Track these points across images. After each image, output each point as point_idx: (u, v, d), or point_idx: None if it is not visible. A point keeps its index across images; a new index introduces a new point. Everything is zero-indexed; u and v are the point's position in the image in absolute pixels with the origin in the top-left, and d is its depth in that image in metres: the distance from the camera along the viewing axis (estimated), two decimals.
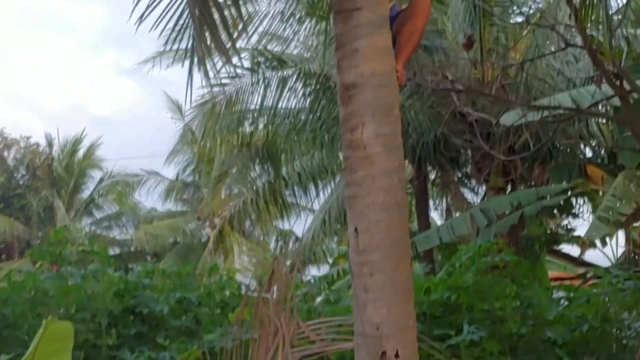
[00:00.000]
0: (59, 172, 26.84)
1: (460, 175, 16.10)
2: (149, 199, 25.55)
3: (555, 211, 12.45)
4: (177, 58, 8.12)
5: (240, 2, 5.61)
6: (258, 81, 13.09)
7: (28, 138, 27.38)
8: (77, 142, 27.20)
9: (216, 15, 5.25)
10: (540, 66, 12.07)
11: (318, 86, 12.65)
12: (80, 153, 27.53)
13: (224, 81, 12.51)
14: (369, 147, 4.47)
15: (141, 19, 5.27)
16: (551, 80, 12.03)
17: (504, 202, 11.46)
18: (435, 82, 9.66)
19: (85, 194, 27.57)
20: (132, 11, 5.26)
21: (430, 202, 16.92)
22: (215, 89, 12.56)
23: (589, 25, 7.29)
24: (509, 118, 9.96)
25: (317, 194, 16.98)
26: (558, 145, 12.81)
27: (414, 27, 4.87)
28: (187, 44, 5.64)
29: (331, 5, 4.67)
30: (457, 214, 16.27)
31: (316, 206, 17.81)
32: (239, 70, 12.91)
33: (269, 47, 12.93)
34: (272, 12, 12.49)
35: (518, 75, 11.88)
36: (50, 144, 27.36)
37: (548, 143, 11.89)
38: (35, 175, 26.84)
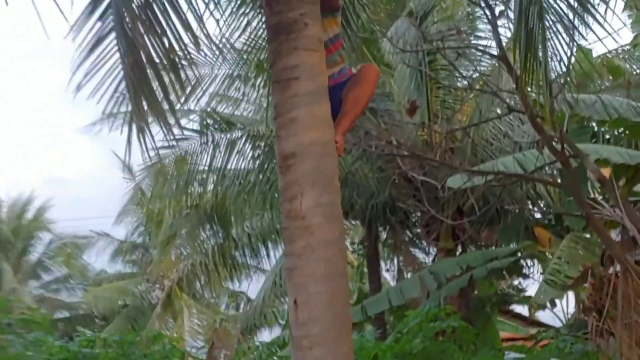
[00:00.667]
0: (6, 234, 26.30)
1: (410, 236, 16.10)
2: (98, 260, 25.14)
3: (504, 273, 12.46)
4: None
5: (182, 67, 5.53)
6: (207, 142, 13.03)
7: None
8: (26, 203, 26.79)
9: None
10: (486, 129, 12.21)
11: (267, 148, 12.60)
12: (30, 214, 27.08)
13: (172, 143, 12.39)
14: (308, 217, 4.40)
15: (79, 87, 5.19)
16: (497, 142, 12.15)
17: (452, 264, 11.46)
18: (381, 147, 9.67)
19: (34, 256, 27.06)
20: (71, 77, 5.18)
21: (382, 263, 16.85)
22: (164, 150, 12.44)
23: (530, 90, 7.37)
24: (455, 181, 10.00)
25: (268, 255, 16.88)
26: (506, 207, 12.89)
27: (359, 95, 4.82)
28: (127, 109, 5.52)
29: (271, 75, 4.62)
30: (409, 275, 16.26)
31: (267, 267, 17.70)
32: (187, 132, 12.86)
33: (218, 108, 12.90)
34: (220, 73, 12.58)
35: (464, 138, 11.98)
36: None
37: (496, 205, 11.96)
38: None
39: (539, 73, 6.55)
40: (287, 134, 4.49)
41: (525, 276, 14.55)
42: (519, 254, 11.99)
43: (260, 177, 13.57)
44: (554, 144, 7.08)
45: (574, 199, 7.99)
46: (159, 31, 5.32)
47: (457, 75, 11.79)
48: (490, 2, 7.23)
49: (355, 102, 4.78)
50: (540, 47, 6.42)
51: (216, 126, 12.99)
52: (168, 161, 12.98)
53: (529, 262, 13.38)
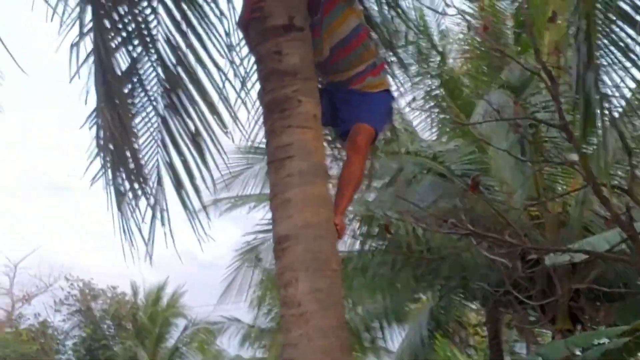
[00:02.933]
0: (143, 321, 26.97)
1: (529, 317, 15.29)
2: (231, 346, 25.22)
3: (623, 353, 11.51)
4: None
5: None
6: None
7: (114, 288, 27.79)
8: (159, 289, 27.42)
9: None
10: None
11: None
12: (164, 301, 27.68)
13: None
14: (303, 304, 4.14)
15: None
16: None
17: (560, 347, 10.67)
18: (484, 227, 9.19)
19: (170, 342, 27.51)
20: None
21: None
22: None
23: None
24: (556, 259, 9.39)
25: (384, 338, 16.47)
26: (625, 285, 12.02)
27: (352, 172, 4.63)
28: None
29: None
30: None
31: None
32: None
33: None
34: None
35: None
36: (135, 293, 27.68)
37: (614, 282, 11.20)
38: (120, 325, 27.06)
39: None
40: (281, 216, 4.28)
41: None
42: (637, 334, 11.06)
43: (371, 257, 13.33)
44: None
45: None
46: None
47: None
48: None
49: (348, 182, 4.61)
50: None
51: None
52: None
53: None
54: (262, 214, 13.57)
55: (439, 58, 12.92)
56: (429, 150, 11.59)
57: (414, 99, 12.57)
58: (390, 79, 5.24)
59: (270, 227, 12.17)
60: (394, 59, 5.96)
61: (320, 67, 4.67)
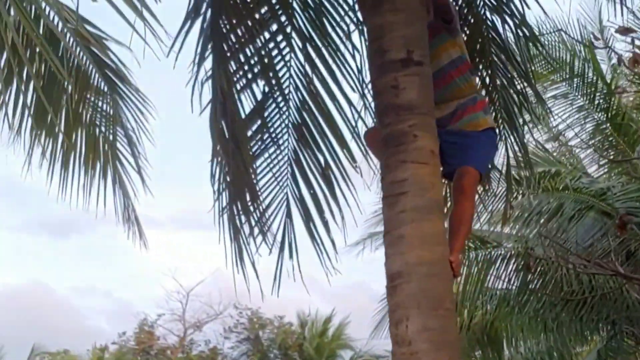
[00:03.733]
0: (309, 352, 27.31)
1: None
2: None
3: None
4: None
5: None
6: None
7: (281, 317, 28.34)
8: (326, 320, 27.70)
9: None
10: None
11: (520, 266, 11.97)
12: (331, 332, 27.93)
13: None
14: (414, 343, 4.06)
15: None
16: None
17: None
18: None
19: None
20: None
21: None
22: None
23: None
24: None
25: None
26: None
27: (462, 212, 4.54)
28: None
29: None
30: None
31: None
32: None
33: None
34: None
35: None
36: (302, 324, 28.08)
37: None
38: (287, 355, 27.52)
39: None
40: (393, 252, 4.22)
41: None
42: None
43: (529, 296, 12.92)
44: None
45: None
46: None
47: None
48: None
49: (460, 221, 4.52)
50: None
51: (471, 244, 12.61)
52: None
53: None
54: None
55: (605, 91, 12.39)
56: (590, 186, 11.09)
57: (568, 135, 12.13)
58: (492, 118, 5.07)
59: None
60: (530, 91, 5.78)
61: None
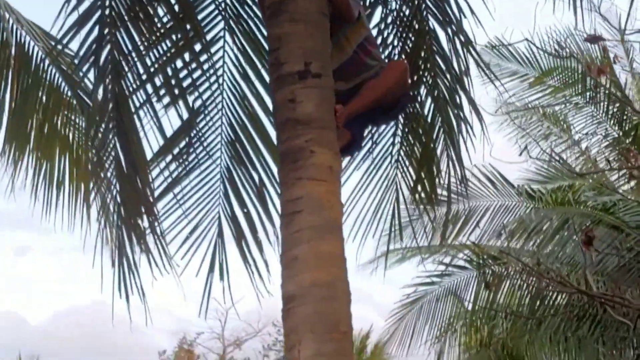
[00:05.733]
0: None
1: None
2: None
3: None
4: None
5: None
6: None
7: None
8: (364, 338, 27.31)
9: None
10: None
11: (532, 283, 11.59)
12: (368, 349, 27.52)
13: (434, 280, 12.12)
14: None
15: None
16: None
17: None
18: None
19: None
20: None
21: None
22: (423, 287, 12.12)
23: None
24: None
25: None
26: None
27: (378, 84, 4.55)
28: None
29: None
30: None
31: None
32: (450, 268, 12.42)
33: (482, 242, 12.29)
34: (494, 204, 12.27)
35: None
36: None
37: None
38: None
39: None
40: (288, 275, 4.03)
41: None
42: None
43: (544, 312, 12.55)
44: None
45: None
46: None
47: None
48: None
49: (372, 88, 4.56)
50: None
51: (481, 261, 12.30)
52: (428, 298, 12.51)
53: None
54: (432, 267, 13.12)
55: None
56: (596, 200, 10.71)
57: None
58: None
59: (429, 280, 11.92)
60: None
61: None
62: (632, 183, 12.05)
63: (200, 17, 5.30)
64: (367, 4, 5.84)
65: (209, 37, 5.39)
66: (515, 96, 12.39)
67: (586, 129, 12.56)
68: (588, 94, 11.92)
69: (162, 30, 4.96)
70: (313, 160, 4.07)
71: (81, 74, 4.54)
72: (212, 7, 5.45)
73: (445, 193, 13.11)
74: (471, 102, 5.30)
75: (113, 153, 4.61)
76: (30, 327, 38.99)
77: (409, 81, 4.96)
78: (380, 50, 5.61)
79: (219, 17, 5.43)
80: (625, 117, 12.29)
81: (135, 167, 4.64)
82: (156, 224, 4.81)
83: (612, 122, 12.33)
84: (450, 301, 12.53)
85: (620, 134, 12.27)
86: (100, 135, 4.54)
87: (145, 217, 4.78)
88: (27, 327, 38.46)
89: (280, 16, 4.24)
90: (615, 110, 12.11)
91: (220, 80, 5.38)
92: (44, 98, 6.32)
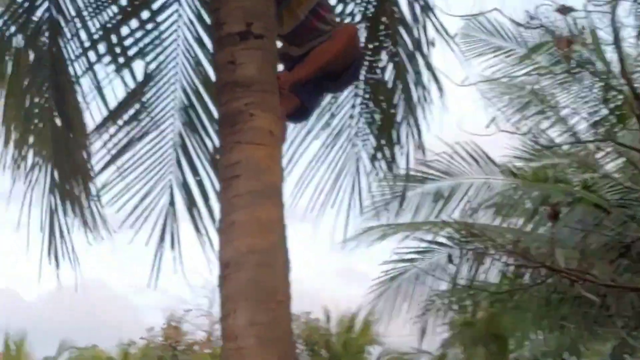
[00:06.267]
0: (336, 349, 26.98)
1: None
2: None
3: None
4: None
5: None
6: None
7: (308, 313, 28.02)
8: (352, 316, 27.33)
9: None
10: None
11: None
12: (356, 328, 27.55)
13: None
14: (240, 338, 3.74)
15: None
16: None
17: None
18: None
19: None
20: None
21: None
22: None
23: None
24: None
25: None
26: None
27: (325, 49, 4.39)
28: None
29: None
30: None
31: None
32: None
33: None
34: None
35: None
36: (328, 319, 27.78)
37: None
38: (313, 351, 27.24)
39: None
40: (225, 240, 3.91)
41: None
42: None
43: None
44: None
45: None
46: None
47: None
48: None
49: (321, 53, 4.40)
50: None
51: (462, 238, 12.17)
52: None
53: None
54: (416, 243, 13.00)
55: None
56: (575, 177, 10.59)
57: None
58: None
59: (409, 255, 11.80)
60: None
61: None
62: (620, 161, 11.89)
63: None
64: None
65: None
66: (501, 72, 12.26)
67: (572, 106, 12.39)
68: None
69: None
70: (252, 124, 3.94)
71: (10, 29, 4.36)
72: None
73: (426, 170, 12.99)
74: (430, 68, 5.16)
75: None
76: (24, 303, 39.08)
77: (360, 46, 4.82)
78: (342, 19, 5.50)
79: None
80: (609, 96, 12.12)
81: (73, 130, 4.50)
82: (92, 189, 4.68)
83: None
84: (431, 279, 12.42)
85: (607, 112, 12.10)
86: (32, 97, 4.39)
87: (81, 181, 4.65)
88: (21, 303, 38.56)
89: None
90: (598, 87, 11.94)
91: (175, 45, 5.22)
92: None
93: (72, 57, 4.60)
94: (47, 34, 4.45)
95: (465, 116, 5.14)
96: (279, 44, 4.58)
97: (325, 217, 5.60)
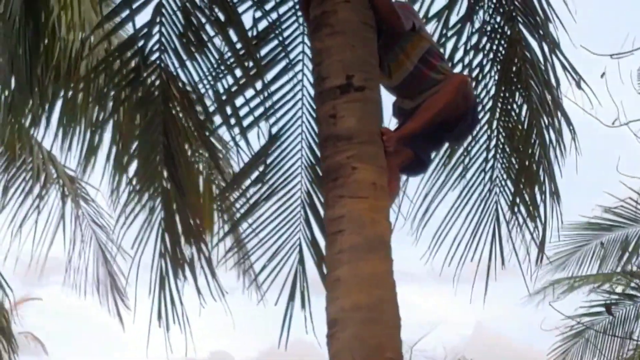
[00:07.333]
0: None
1: None
2: None
3: None
4: None
5: None
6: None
7: None
8: None
9: None
10: None
11: None
12: None
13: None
14: None
15: None
16: None
17: None
18: None
19: None
20: None
21: None
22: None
23: None
24: None
25: None
26: None
27: (434, 101, 4.21)
28: None
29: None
30: None
31: None
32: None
33: None
34: None
35: None
36: None
37: None
38: None
39: None
40: (331, 298, 3.83)
41: None
42: None
43: None
44: None
45: None
46: None
47: None
48: None
49: (427, 108, 4.21)
50: None
51: None
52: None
53: None
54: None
55: None
56: None
57: None
58: None
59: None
60: None
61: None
62: None
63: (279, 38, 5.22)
64: (458, 17, 5.58)
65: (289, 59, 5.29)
66: None
67: None
68: None
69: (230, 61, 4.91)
70: (355, 177, 3.86)
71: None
72: (294, 27, 5.30)
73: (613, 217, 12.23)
74: (560, 109, 4.89)
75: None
76: None
77: (473, 95, 4.63)
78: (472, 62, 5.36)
79: (299, 39, 5.30)
80: None
81: (183, 192, 4.59)
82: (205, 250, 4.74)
83: None
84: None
85: None
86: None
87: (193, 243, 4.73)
88: None
89: (321, 30, 4.07)
90: None
91: (299, 104, 5.25)
92: None
93: (188, 121, 4.69)
94: (159, 97, 4.59)
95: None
96: (393, 97, 4.52)
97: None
